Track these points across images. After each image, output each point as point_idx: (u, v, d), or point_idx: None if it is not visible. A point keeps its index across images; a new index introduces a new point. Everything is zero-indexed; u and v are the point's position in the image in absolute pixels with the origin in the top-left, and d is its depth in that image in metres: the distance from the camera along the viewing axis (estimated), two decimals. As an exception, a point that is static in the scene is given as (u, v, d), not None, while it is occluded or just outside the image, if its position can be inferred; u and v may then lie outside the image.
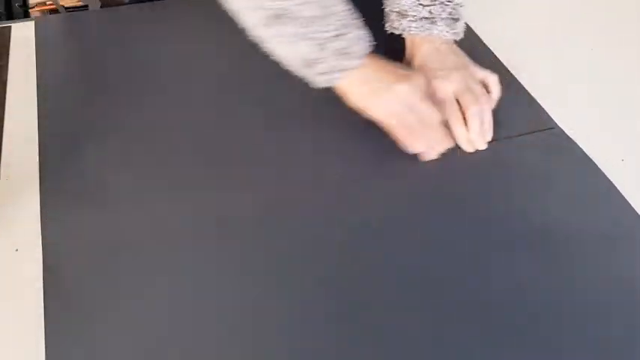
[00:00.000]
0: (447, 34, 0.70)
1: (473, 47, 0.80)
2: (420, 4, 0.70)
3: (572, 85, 0.70)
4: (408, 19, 0.71)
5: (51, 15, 1.06)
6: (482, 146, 0.67)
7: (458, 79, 0.68)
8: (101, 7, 0.92)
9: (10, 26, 0.84)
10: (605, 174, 0.65)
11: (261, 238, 0.59)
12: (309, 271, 0.56)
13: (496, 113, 0.70)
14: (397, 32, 0.72)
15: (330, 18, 0.61)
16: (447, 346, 0.51)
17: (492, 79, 0.70)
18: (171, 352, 0.51)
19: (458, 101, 0.67)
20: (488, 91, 0.69)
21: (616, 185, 0.64)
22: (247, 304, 0.54)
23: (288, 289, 0.55)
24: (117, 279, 0.55)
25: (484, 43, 0.81)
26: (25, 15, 1.08)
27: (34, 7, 1.08)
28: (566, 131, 0.70)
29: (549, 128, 0.70)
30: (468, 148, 0.67)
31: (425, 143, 0.65)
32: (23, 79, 0.75)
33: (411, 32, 0.71)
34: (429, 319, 0.53)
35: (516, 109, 0.72)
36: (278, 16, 0.60)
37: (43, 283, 0.54)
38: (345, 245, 0.58)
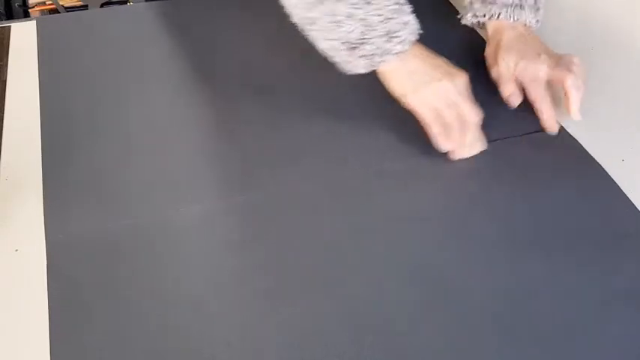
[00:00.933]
0: (532, 20, 0.73)
1: (474, 45, 0.80)
2: None
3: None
4: (497, 5, 0.73)
5: (51, 15, 1.06)
6: (580, 117, 0.69)
7: (547, 59, 0.70)
8: (101, 6, 0.92)
9: (10, 26, 0.83)
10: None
11: (266, 238, 0.59)
12: (312, 269, 0.56)
13: (497, 113, 0.71)
14: (483, 20, 0.75)
15: (385, 0, 0.62)
16: (448, 345, 0.51)
17: (576, 59, 0.71)
18: (176, 352, 0.50)
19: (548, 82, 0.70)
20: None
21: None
22: (250, 303, 0.54)
23: (291, 289, 0.55)
24: (121, 279, 0.55)
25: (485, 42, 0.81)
26: (25, 15, 1.08)
27: (34, 7, 1.08)
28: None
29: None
30: (555, 128, 0.69)
31: (458, 142, 0.65)
32: (23, 79, 0.75)
33: (500, 18, 0.73)
34: (432, 317, 0.53)
35: (518, 108, 0.71)
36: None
37: (47, 284, 0.54)
38: (348, 243, 0.58)
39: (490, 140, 0.68)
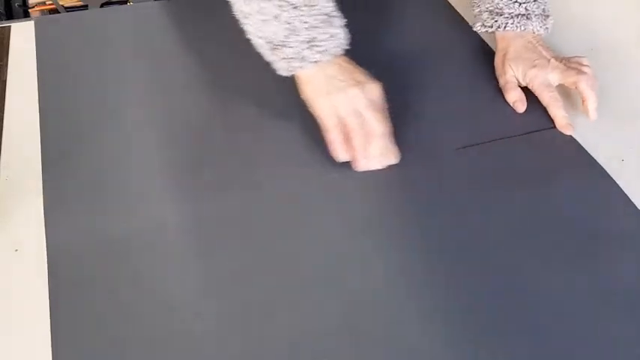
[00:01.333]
0: (540, 29, 0.74)
1: (473, 46, 0.81)
2: (516, 2, 0.73)
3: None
4: (504, 16, 0.74)
5: (51, 15, 1.06)
6: (596, 116, 0.70)
7: (556, 64, 0.71)
8: (101, 6, 0.92)
9: (10, 26, 0.83)
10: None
11: (263, 239, 0.59)
12: (311, 270, 0.56)
13: (498, 113, 0.71)
14: (491, 30, 0.76)
15: (312, 9, 0.62)
16: (448, 345, 0.51)
17: (585, 60, 0.72)
18: (176, 351, 0.50)
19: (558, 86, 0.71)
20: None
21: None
22: (250, 303, 0.54)
23: (291, 289, 0.55)
24: (121, 278, 0.55)
25: (486, 43, 0.81)
26: (25, 15, 1.08)
27: (34, 7, 1.08)
28: (567, 131, 0.70)
29: (550, 128, 0.70)
30: (569, 131, 0.69)
31: (358, 152, 0.63)
32: (23, 79, 0.75)
33: (507, 29, 0.74)
34: (431, 317, 0.53)
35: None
36: None
37: (49, 283, 0.54)
38: (347, 243, 0.58)
39: (490, 140, 0.68)
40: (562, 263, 0.57)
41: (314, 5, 0.62)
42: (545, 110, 0.71)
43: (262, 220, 0.60)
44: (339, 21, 0.64)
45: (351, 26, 0.83)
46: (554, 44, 0.76)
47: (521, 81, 0.72)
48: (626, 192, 0.63)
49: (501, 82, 0.74)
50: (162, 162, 0.65)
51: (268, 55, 0.65)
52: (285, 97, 0.72)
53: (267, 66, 0.78)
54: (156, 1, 0.89)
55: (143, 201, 0.61)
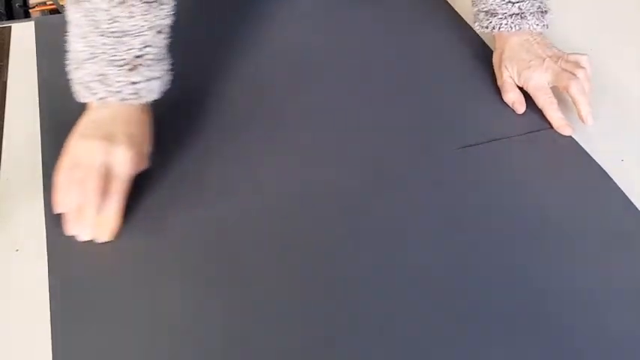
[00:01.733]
0: (536, 27, 0.73)
1: (473, 46, 0.81)
2: (510, 2, 0.72)
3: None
4: (498, 17, 0.73)
5: (51, 15, 1.06)
6: (591, 121, 0.68)
7: (551, 65, 0.70)
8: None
9: (10, 26, 0.84)
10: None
11: (262, 243, 0.59)
12: (313, 272, 0.56)
13: (497, 113, 0.71)
14: (487, 31, 0.75)
15: (121, 45, 0.58)
16: (445, 345, 0.51)
17: (584, 58, 0.71)
18: (176, 351, 0.50)
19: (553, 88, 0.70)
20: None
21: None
22: (252, 304, 0.54)
23: (293, 291, 0.55)
24: (122, 278, 0.55)
25: (486, 43, 0.81)
26: (25, 15, 1.08)
27: (34, 7, 1.08)
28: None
29: (550, 128, 0.70)
30: (567, 131, 0.68)
31: (70, 209, 0.57)
32: (23, 79, 0.75)
33: (502, 29, 0.73)
34: (429, 317, 0.53)
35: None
36: (78, 2, 0.58)
37: (49, 284, 0.54)
38: (343, 247, 0.58)
39: (490, 140, 0.68)
40: (562, 263, 0.57)
41: (125, 43, 0.58)
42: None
43: (263, 221, 0.60)
44: (151, 72, 0.60)
45: (351, 26, 0.84)
46: (555, 43, 0.76)
47: (517, 81, 0.72)
48: (625, 192, 0.63)
49: (499, 82, 0.74)
50: (162, 162, 0.65)
51: (71, 71, 0.60)
52: (287, 95, 0.73)
53: (268, 64, 0.79)
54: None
55: (143, 201, 0.61)
